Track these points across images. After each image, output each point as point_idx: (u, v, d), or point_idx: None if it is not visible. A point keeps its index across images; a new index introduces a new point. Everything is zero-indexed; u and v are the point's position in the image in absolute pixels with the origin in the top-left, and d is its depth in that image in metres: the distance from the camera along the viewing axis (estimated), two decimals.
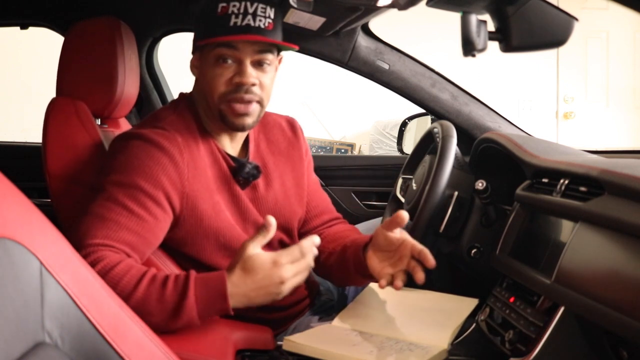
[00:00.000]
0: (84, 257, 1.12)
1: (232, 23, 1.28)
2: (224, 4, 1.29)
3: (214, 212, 1.33)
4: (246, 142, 1.46)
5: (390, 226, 1.27)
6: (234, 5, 1.29)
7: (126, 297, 1.12)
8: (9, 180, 0.67)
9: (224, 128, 1.38)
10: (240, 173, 1.37)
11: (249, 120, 1.34)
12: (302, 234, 1.54)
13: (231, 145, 1.42)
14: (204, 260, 1.36)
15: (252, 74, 1.31)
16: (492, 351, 1.20)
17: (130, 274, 1.15)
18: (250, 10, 1.29)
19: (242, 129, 1.35)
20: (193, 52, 1.39)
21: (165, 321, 1.14)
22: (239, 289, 1.15)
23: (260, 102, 1.34)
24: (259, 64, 1.32)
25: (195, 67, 1.38)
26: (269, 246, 1.42)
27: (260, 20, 1.29)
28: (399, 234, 1.28)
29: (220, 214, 1.34)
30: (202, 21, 1.34)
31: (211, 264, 1.36)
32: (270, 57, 1.33)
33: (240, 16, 1.28)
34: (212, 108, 1.34)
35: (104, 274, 1.13)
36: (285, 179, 1.48)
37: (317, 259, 1.45)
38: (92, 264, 1.14)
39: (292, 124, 1.55)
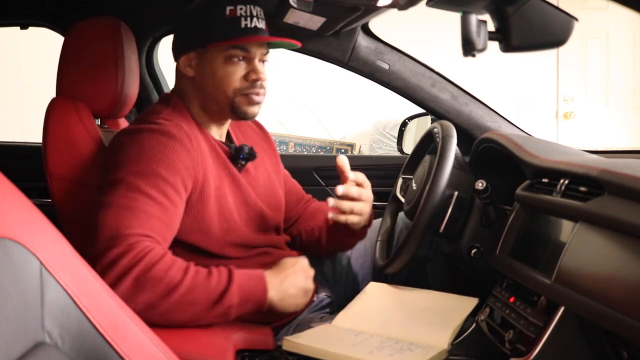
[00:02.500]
0: (127, 247, 1.17)
1: (243, 25, 1.37)
2: (232, 7, 1.37)
3: (217, 196, 1.37)
4: (228, 134, 1.54)
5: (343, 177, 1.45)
6: (241, 8, 1.37)
7: (175, 286, 1.17)
8: (9, 180, 0.67)
9: (215, 120, 1.46)
10: (239, 155, 1.44)
11: (257, 109, 1.44)
12: (288, 219, 1.66)
13: (219, 136, 1.49)
14: (210, 248, 1.37)
15: (263, 70, 1.41)
16: (492, 351, 1.20)
17: (177, 265, 1.20)
18: (254, 13, 1.38)
19: (252, 116, 1.44)
20: (185, 51, 1.42)
21: (206, 310, 1.19)
22: (274, 280, 1.26)
23: (264, 96, 1.44)
24: (262, 63, 1.43)
25: (190, 66, 1.43)
26: (265, 229, 1.45)
27: (261, 22, 1.40)
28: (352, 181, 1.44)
29: (222, 198, 1.38)
30: (208, 23, 1.39)
31: (217, 252, 1.38)
32: (268, 55, 1.45)
33: (249, 18, 1.37)
34: (219, 102, 1.41)
35: (153, 264, 1.16)
36: (266, 166, 1.58)
37: (301, 237, 1.64)
38: (141, 254, 1.17)
39: (258, 124, 1.68)
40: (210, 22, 1.38)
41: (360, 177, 1.46)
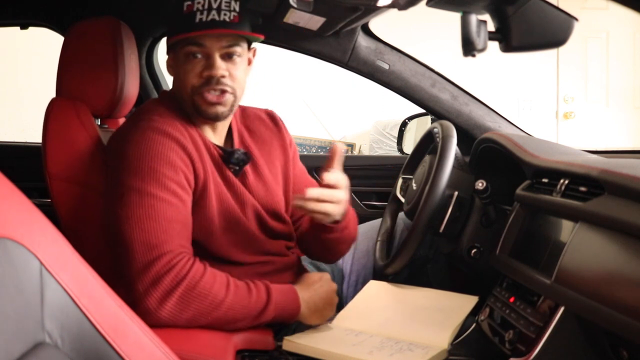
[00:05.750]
0: (167, 264, 1.19)
1: (197, 20, 1.31)
2: (189, 2, 1.33)
3: (217, 194, 1.36)
4: (229, 133, 1.49)
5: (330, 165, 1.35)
6: (199, 2, 1.32)
7: (219, 303, 1.20)
8: (9, 180, 0.67)
9: (206, 119, 1.41)
10: (231, 159, 1.40)
11: (221, 109, 1.36)
12: (296, 221, 1.60)
13: (214, 136, 1.44)
14: (212, 248, 1.36)
15: (221, 66, 1.33)
16: (492, 351, 1.20)
17: (219, 280, 1.22)
18: (215, 5, 1.32)
19: (215, 118, 1.37)
20: (168, 53, 1.43)
21: (243, 325, 1.23)
22: (305, 294, 1.32)
23: (233, 93, 1.36)
24: (228, 57, 1.35)
25: (171, 66, 1.42)
26: (264, 232, 1.45)
27: (225, 14, 1.32)
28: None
29: (222, 196, 1.37)
30: (170, 22, 1.38)
31: (219, 253, 1.37)
32: (238, 49, 1.36)
33: (205, 12, 1.31)
34: (187, 101, 1.37)
35: (197, 281, 1.20)
36: (271, 167, 1.51)
37: (309, 244, 1.57)
38: (183, 270, 1.20)
39: (272, 116, 1.58)
40: (171, 21, 1.37)
41: (335, 179, 1.32)
